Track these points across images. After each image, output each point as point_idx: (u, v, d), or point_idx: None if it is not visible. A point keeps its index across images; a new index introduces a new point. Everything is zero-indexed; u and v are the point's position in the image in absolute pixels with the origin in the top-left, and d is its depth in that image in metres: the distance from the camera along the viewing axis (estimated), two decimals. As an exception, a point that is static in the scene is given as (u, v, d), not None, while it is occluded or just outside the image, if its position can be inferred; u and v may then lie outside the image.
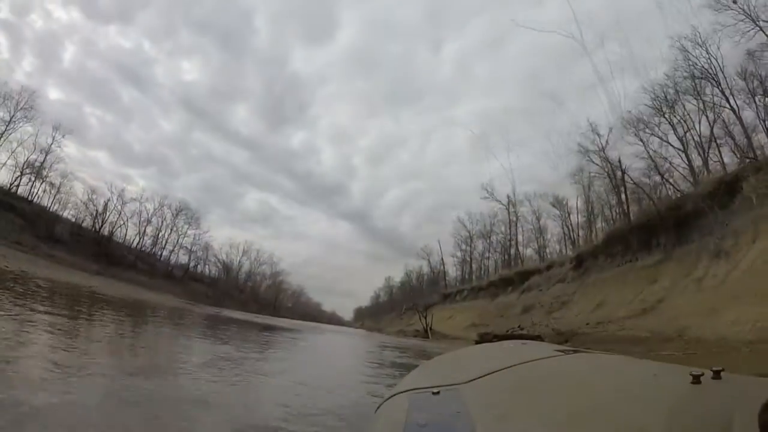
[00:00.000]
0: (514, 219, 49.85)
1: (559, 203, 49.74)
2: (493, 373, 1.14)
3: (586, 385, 0.96)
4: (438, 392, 1.05)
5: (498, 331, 23.57)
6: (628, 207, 30.73)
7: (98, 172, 60.10)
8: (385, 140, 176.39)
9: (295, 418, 4.10)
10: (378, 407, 1.18)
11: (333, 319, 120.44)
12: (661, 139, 29.05)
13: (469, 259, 60.14)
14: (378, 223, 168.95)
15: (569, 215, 48.51)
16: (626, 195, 31.24)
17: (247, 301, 79.15)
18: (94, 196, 55.42)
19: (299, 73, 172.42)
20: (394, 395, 1.16)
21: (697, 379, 0.75)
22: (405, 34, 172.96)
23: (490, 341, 2.50)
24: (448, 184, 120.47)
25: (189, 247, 69.36)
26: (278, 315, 74.48)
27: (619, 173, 32.95)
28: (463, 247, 61.33)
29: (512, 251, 49.16)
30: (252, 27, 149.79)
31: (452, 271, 65.45)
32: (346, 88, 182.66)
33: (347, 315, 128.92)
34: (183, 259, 70.30)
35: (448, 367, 1.54)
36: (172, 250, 67.06)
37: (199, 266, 75.90)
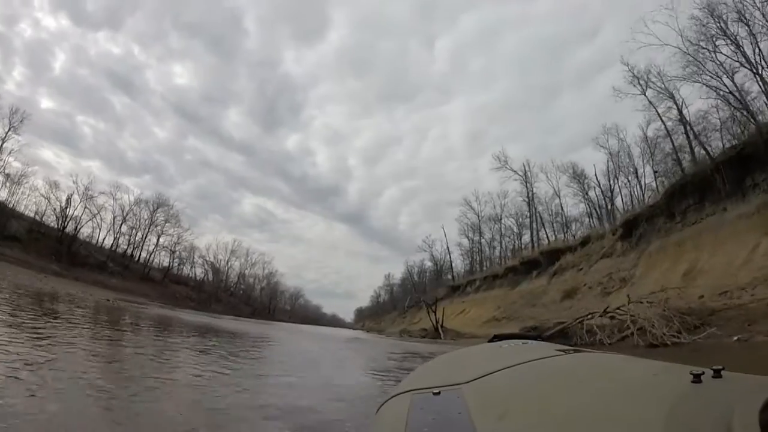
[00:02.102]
0: (530, 194, 42.10)
1: (578, 176, 42.52)
2: (493, 372, 1.13)
3: (586, 384, 0.95)
4: (439, 392, 1.04)
5: (544, 324, 16.22)
6: (706, 151, 23.01)
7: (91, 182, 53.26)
8: (380, 140, 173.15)
9: None
10: (379, 408, 1.17)
11: (334, 322, 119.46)
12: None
13: (479, 247, 52.41)
14: (376, 224, 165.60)
15: (587, 190, 41.32)
16: (692, 132, 23.66)
17: (238, 304, 72.90)
18: (56, 190, 47.85)
19: (291, 74, 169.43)
20: (395, 396, 1.16)
21: (697, 378, 0.75)
22: (397, 31, 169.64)
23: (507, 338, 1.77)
24: (444, 181, 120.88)
25: (170, 248, 61.75)
26: (274, 319, 69.26)
27: (674, 110, 25.65)
28: (470, 234, 53.76)
29: (532, 229, 41.33)
30: (242, 29, 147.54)
31: (458, 263, 57.88)
32: (339, 88, 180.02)
33: (348, 317, 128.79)
34: (167, 261, 63.45)
35: (448, 367, 1.48)
36: (152, 251, 60.09)
37: (184, 268, 68.88)
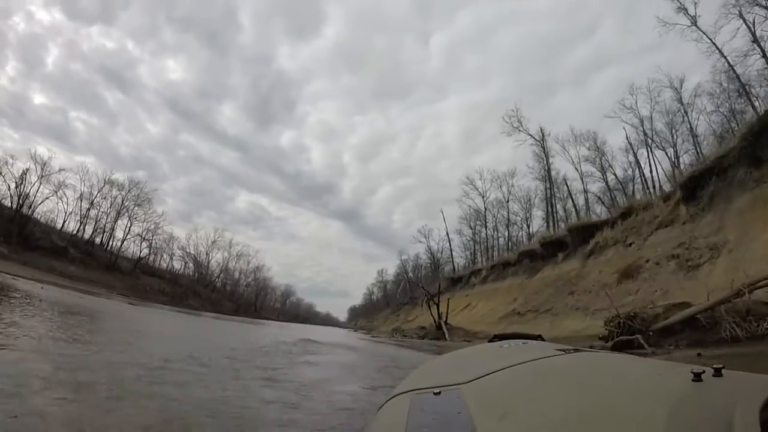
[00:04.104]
0: (547, 164, 35.15)
1: (598, 149, 35.79)
2: (494, 372, 1.12)
3: (586, 384, 0.94)
4: (439, 393, 1.03)
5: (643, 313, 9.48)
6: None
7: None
8: (375, 137, 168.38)
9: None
10: (379, 408, 1.15)
11: (327, 321, 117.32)
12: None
13: (482, 237, 45.39)
14: (370, 222, 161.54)
15: (606, 168, 34.62)
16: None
17: (220, 300, 66.12)
18: (11, 162, 40.58)
19: (285, 69, 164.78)
20: (395, 396, 1.14)
21: (698, 377, 0.75)
22: (392, 27, 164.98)
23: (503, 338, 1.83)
24: (438, 179, 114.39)
25: (142, 236, 54.35)
26: (260, 317, 63.55)
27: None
28: (472, 223, 46.82)
29: (550, 207, 34.39)
30: (236, 23, 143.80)
31: (457, 257, 50.97)
32: (334, 85, 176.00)
33: (342, 315, 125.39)
34: (145, 252, 56.52)
35: (448, 367, 1.48)
36: (123, 239, 52.98)
37: (160, 259, 61.99)
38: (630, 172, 34.02)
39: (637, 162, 32.64)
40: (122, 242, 52.89)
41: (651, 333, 7.96)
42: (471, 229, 47.04)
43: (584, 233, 25.60)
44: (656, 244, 18.75)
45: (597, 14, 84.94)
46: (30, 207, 41.91)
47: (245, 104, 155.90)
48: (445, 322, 22.37)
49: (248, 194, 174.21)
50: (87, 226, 49.05)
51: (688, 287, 13.83)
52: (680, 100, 29.68)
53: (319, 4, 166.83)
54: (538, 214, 39.72)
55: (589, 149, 35.98)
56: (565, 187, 34.39)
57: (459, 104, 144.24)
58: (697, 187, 19.21)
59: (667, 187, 25.95)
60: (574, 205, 32.78)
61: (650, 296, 14.29)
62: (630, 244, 20.81)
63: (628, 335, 8.16)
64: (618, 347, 7.73)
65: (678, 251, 16.27)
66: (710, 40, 24.07)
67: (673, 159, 30.33)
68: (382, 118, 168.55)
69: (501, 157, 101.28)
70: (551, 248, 28.16)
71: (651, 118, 31.67)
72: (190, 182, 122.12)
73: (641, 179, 32.07)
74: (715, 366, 0.77)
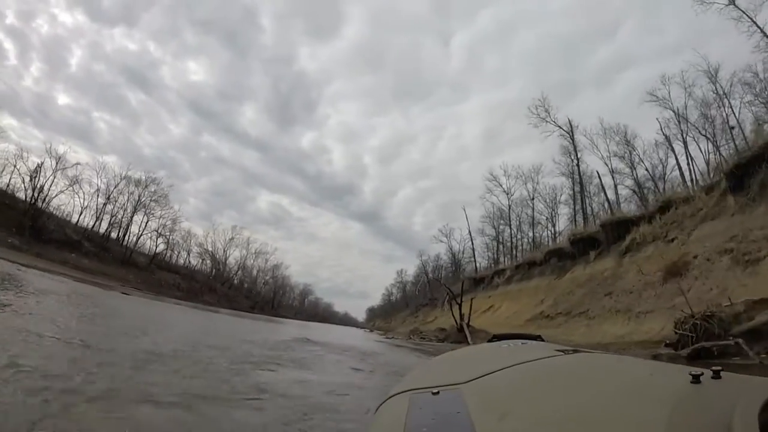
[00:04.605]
0: (576, 157, 33.09)
1: (628, 143, 33.46)
2: (493, 372, 1.10)
3: (586, 385, 0.94)
4: (438, 392, 1.01)
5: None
6: None
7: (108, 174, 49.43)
8: (396, 138, 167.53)
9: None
10: (377, 408, 1.13)
11: (345, 320, 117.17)
12: None
13: (504, 237, 43.38)
14: (390, 223, 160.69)
15: (636, 164, 32.24)
16: None
17: (237, 296, 65.82)
18: (26, 155, 41.05)
19: (306, 70, 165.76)
20: (394, 395, 1.12)
21: (696, 379, 0.75)
22: (412, 27, 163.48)
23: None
24: (459, 181, 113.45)
25: (159, 231, 54.67)
26: (278, 315, 63.37)
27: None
28: (495, 222, 44.85)
29: (579, 202, 32.37)
30: (257, 24, 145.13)
31: (479, 257, 49.04)
32: (354, 85, 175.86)
33: (361, 316, 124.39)
34: (161, 247, 56.79)
35: (448, 366, 1.45)
36: (139, 234, 53.17)
37: (177, 255, 62.09)
38: (661, 167, 31.79)
39: (673, 152, 30.31)
40: (138, 237, 53.03)
41: (731, 337, 6.33)
42: (494, 228, 45.14)
43: (618, 230, 23.69)
44: (703, 238, 16.84)
45: (618, 12, 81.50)
46: (44, 200, 41.99)
47: (266, 105, 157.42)
48: (467, 324, 20.81)
49: (269, 194, 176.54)
50: (103, 222, 49.37)
51: (750, 284, 12.04)
52: (715, 90, 27.53)
53: (337, 4, 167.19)
54: (564, 212, 37.72)
55: (618, 144, 33.93)
56: (597, 179, 32.14)
57: (480, 105, 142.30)
58: (744, 176, 17.34)
59: (706, 180, 23.89)
60: (607, 199, 30.56)
61: (706, 295, 12.52)
62: (672, 240, 18.85)
63: (703, 340, 6.51)
64: (694, 356, 6.14)
65: (731, 245, 14.36)
66: (750, 19, 22.02)
67: (709, 150, 28.11)
68: (402, 119, 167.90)
69: (523, 158, 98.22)
70: (582, 246, 26.25)
71: (685, 107, 29.44)
72: (212, 182, 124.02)
73: (678, 171, 29.76)
74: (713, 368, 0.75)
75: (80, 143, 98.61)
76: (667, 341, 8.63)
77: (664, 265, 16.06)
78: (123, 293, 24.39)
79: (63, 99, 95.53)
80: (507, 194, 41.29)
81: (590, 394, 0.85)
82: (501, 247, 45.04)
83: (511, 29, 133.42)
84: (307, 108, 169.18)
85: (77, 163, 44.55)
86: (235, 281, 70.60)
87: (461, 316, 21.16)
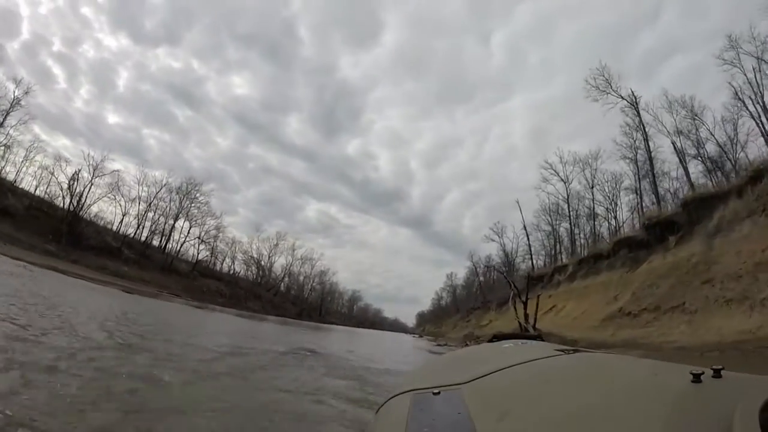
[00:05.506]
0: (644, 131, 29.62)
1: (695, 117, 29.44)
2: (493, 373, 1.11)
3: (586, 384, 0.93)
4: (439, 392, 1.02)
5: None
6: None
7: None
8: (441, 141, 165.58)
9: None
10: (379, 408, 1.14)
11: (395, 326, 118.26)
12: None
13: (567, 228, 39.87)
14: (439, 228, 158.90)
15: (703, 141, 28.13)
16: None
17: (283, 303, 66.56)
18: (64, 164, 43.03)
19: (348, 79, 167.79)
20: (395, 396, 1.13)
21: (697, 378, 0.74)
22: (450, 29, 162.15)
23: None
24: (508, 182, 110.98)
25: (201, 237, 55.58)
26: (324, 321, 64.18)
27: None
28: (552, 216, 41.59)
29: (653, 175, 28.87)
30: (296, 37, 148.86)
31: (534, 252, 45.70)
32: (397, 91, 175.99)
33: (410, 321, 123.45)
34: (205, 254, 58.03)
35: (448, 367, 1.48)
36: (182, 241, 54.46)
37: (221, 262, 63.12)
38: (732, 141, 27.55)
39: (752, 117, 26.07)
40: (181, 245, 53.94)
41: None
42: (550, 224, 41.80)
43: (699, 209, 20.48)
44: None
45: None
46: (82, 208, 43.41)
47: (311, 115, 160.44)
48: (533, 326, 18.38)
49: (317, 203, 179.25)
50: (144, 229, 50.41)
51: None
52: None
53: (374, 12, 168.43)
54: (624, 201, 34.04)
55: (684, 118, 30.05)
56: (670, 155, 28.32)
57: (524, 103, 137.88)
58: None
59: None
60: (686, 172, 26.87)
61: None
62: (781, 215, 15.70)
63: None
64: None
65: None
66: None
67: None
68: (447, 122, 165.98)
69: (574, 154, 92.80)
70: (658, 231, 23.08)
71: (759, 68, 25.31)
72: (260, 192, 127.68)
73: (763, 137, 25.62)
74: (714, 367, 0.75)
75: (131, 159, 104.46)
76: None
77: (775, 243, 13.13)
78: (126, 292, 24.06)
79: (113, 118, 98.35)
80: (564, 183, 37.97)
81: (590, 393, 0.84)
82: (558, 245, 41.71)
83: (550, 23, 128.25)
84: (352, 115, 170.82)
85: (115, 171, 45.89)
86: (282, 288, 70.74)
87: (525, 317, 18.76)
